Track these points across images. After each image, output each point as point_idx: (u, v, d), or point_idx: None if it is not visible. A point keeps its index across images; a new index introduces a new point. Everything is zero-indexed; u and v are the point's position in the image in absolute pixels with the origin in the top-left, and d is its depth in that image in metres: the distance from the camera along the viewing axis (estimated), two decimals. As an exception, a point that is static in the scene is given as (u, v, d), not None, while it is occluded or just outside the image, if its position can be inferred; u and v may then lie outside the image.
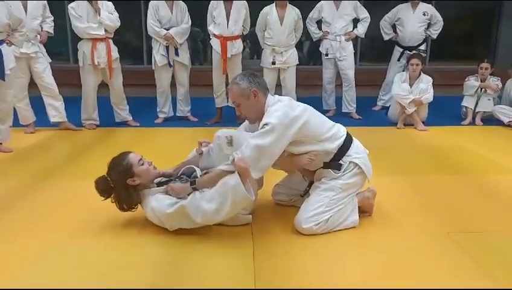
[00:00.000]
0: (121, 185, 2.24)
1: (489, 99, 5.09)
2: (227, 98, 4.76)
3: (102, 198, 2.29)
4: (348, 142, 2.33)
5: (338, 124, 2.42)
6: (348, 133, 2.38)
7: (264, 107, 2.25)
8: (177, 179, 2.34)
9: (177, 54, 4.97)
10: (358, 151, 2.36)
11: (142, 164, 2.28)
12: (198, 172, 2.34)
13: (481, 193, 2.91)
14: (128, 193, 2.26)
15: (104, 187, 2.26)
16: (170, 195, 2.23)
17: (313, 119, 2.27)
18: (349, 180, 2.31)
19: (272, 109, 2.19)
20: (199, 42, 7.54)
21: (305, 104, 2.33)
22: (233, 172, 2.09)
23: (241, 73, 2.35)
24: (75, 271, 1.95)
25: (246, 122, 2.50)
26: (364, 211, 2.48)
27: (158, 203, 2.22)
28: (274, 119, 2.13)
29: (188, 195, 2.18)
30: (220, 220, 2.18)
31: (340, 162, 2.31)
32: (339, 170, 2.30)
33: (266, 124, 2.12)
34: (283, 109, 2.18)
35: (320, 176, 2.37)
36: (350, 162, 2.31)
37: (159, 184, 2.34)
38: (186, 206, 2.13)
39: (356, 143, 2.40)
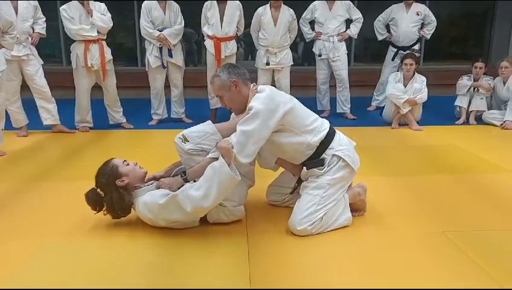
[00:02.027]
0: (111, 188, 2.24)
1: (482, 99, 5.12)
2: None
3: (94, 212, 2.29)
4: (330, 136, 2.32)
5: (322, 119, 2.41)
6: (331, 127, 2.37)
7: (248, 97, 2.26)
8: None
9: (170, 55, 4.96)
10: (341, 144, 2.34)
11: (128, 164, 2.30)
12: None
13: (475, 191, 2.91)
14: (120, 194, 2.25)
15: (95, 198, 2.27)
16: (162, 188, 2.24)
17: (298, 108, 2.30)
18: (335, 175, 2.29)
19: (258, 95, 2.21)
20: (193, 43, 7.52)
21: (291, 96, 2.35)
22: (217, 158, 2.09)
23: (222, 66, 2.36)
24: (69, 272, 1.92)
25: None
26: (357, 209, 2.48)
27: (151, 197, 2.21)
28: (259, 103, 2.14)
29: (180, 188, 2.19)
30: (210, 207, 2.13)
31: (323, 155, 2.30)
32: (322, 165, 2.29)
33: (250, 108, 2.14)
34: (269, 94, 2.20)
35: (306, 175, 2.36)
36: (333, 155, 2.30)
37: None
38: (177, 195, 2.13)
39: (339, 136, 2.39)
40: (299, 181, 2.44)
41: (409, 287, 1.80)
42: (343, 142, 2.37)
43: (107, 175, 2.25)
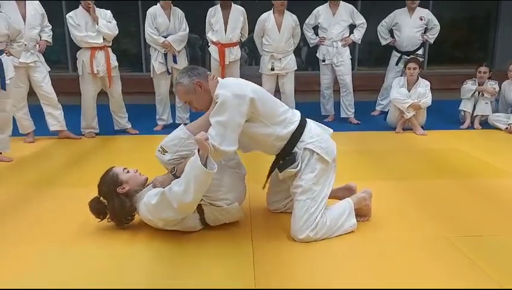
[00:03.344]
0: (112, 195, 2.28)
1: (486, 103, 5.11)
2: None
3: (98, 220, 2.33)
4: (301, 128, 2.27)
5: (294, 110, 2.37)
6: (302, 118, 2.32)
7: (214, 90, 2.20)
8: None
9: (175, 61, 4.99)
10: (311, 135, 2.28)
11: (128, 172, 2.33)
12: None
13: (480, 196, 2.91)
14: (121, 200, 2.28)
15: (98, 207, 2.32)
16: (156, 187, 2.26)
17: (267, 97, 2.27)
18: (315, 171, 2.24)
19: (223, 82, 2.20)
20: (198, 49, 7.58)
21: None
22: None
23: (179, 72, 2.32)
24: (73, 277, 1.95)
25: None
26: (362, 214, 2.47)
27: (147, 198, 2.23)
28: (226, 90, 2.11)
29: None
30: (192, 202, 2.10)
31: (295, 149, 2.26)
32: (294, 163, 2.25)
33: (217, 96, 2.10)
34: (235, 81, 2.20)
35: (283, 177, 2.33)
36: (304, 149, 2.25)
37: None
38: (165, 192, 2.13)
39: (310, 126, 2.33)
40: (272, 168, 2.40)
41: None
42: (314, 133, 2.31)
43: (108, 183, 2.29)
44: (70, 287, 1.86)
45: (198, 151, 2.02)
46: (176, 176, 2.18)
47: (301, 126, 2.29)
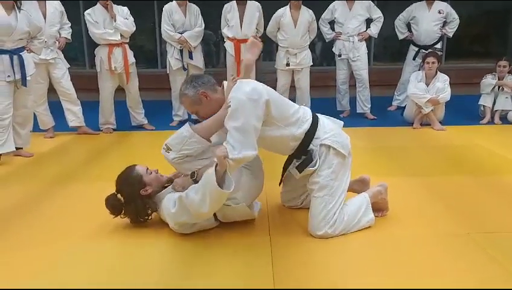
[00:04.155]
0: (135, 197, 2.28)
1: (506, 98, 5.01)
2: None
3: (113, 216, 2.33)
4: (314, 125, 2.25)
5: (304, 107, 2.33)
6: (314, 115, 2.30)
7: (223, 97, 2.20)
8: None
9: (191, 57, 5.02)
10: (326, 131, 2.26)
11: (151, 173, 2.33)
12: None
13: (500, 193, 2.86)
14: (144, 203, 2.30)
15: (115, 204, 2.31)
16: (176, 190, 2.26)
17: (278, 99, 2.21)
18: (332, 166, 2.23)
19: (238, 85, 2.10)
20: (212, 45, 7.60)
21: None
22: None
23: (183, 82, 2.27)
24: (94, 272, 1.98)
25: None
26: (379, 208, 2.45)
27: (168, 202, 2.24)
28: (240, 93, 2.04)
29: None
30: (209, 212, 2.10)
31: (311, 146, 2.24)
32: (312, 161, 2.23)
33: (230, 100, 2.04)
34: (250, 84, 2.10)
35: (302, 176, 2.30)
36: (321, 145, 2.23)
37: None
38: (182, 198, 2.13)
39: (323, 122, 2.31)
40: (286, 167, 2.39)
41: (434, 287, 1.79)
42: (328, 128, 2.29)
43: (132, 184, 2.28)
44: (92, 283, 1.89)
45: (216, 165, 1.98)
46: (196, 181, 2.15)
47: (314, 123, 2.26)
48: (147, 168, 2.35)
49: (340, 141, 2.28)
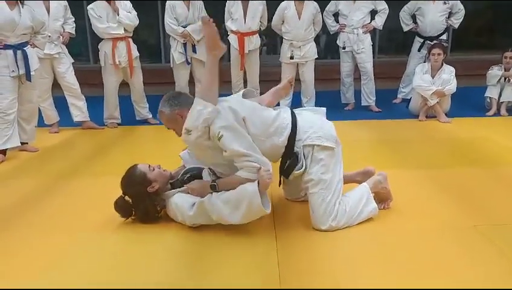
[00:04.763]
0: (143, 195, 2.28)
1: (513, 89, 4.95)
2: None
3: (124, 219, 2.35)
4: (293, 128, 2.23)
5: (283, 111, 2.31)
6: (292, 117, 2.27)
7: None
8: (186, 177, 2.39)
9: (194, 51, 5.01)
10: (305, 130, 2.25)
11: (153, 169, 2.32)
12: (206, 172, 2.36)
13: (507, 185, 2.84)
14: (152, 200, 2.30)
15: (124, 207, 2.32)
16: (191, 194, 2.26)
17: (252, 113, 2.20)
18: (321, 161, 2.22)
19: (216, 117, 2.09)
20: (216, 39, 7.54)
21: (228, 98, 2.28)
22: (253, 180, 2.09)
23: (163, 98, 2.26)
24: (101, 264, 2.00)
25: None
26: (381, 198, 2.45)
27: (181, 200, 2.25)
28: (223, 121, 2.08)
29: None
30: (240, 222, 2.16)
31: (295, 149, 2.23)
32: (298, 162, 2.22)
33: (219, 133, 2.06)
34: (224, 110, 2.12)
35: (293, 178, 2.30)
36: (303, 146, 2.22)
37: (171, 185, 2.40)
38: (204, 202, 2.17)
39: (301, 120, 2.28)
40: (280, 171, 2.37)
41: (442, 280, 1.78)
42: (307, 126, 2.26)
43: (137, 184, 2.28)
44: (98, 278, 1.91)
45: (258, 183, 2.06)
46: (216, 191, 2.18)
47: (293, 126, 2.24)
48: (149, 165, 2.34)
49: (322, 134, 2.25)
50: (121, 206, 2.32)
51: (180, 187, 2.34)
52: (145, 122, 5.07)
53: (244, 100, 2.32)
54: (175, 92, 2.32)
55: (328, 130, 2.30)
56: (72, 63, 4.68)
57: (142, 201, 2.29)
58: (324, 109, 2.45)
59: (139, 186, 2.28)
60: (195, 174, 2.41)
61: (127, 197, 2.32)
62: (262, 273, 1.89)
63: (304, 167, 2.22)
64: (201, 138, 2.11)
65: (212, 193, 2.19)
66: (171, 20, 4.91)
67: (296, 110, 2.37)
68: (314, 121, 2.31)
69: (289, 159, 2.24)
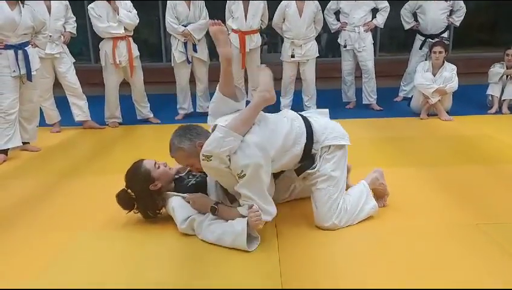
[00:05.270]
0: (145, 192, 2.28)
1: (515, 87, 4.93)
2: (247, 93, 4.76)
3: (126, 211, 2.34)
4: (309, 133, 2.22)
5: (294, 118, 2.26)
6: (306, 124, 2.25)
7: None
8: (190, 177, 2.38)
9: (195, 50, 5.00)
10: (322, 131, 2.25)
11: (159, 167, 2.31)
12: (212, 181, 2.35)
13: (508, 183, 2.83)
14: (153, 199, 2.30)
15: (126, 200, 2.31)
16: (191, 205, 2.25)
17: (274, 139, 2.14)
18: (333, 159, 2.24)
19: (244, 151, 2.01)
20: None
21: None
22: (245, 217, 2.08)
23: (173, 136, 2.18)
24: (102, 263, 2.00)
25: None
26: (379, 195, 2.45)
27: (178, 209, 2.24)
28: (251, 159, 2.00)
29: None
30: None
31: (313, 151, 2.24)
32: (314, 163, 2.23)
33: (242, 171, 2.00)
34: (254, 147, 2.03)
35: (301, 176, 2.30)
36: (322, 147, 2.24)
37: (175, 182, 2.40)
38: (195, 221, 2.18)
39: (315, 123, 2.28)
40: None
41: (443, 279, 1.78)
42: (322, 127, 2.27)
43: (141, 181, 2.27)
44: (98, 276, 1.91)
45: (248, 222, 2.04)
46: (214, 214, 2.19)
47: (309, 131, 2.24)
48: (155, 162, 2.34)
49: (337, 134, 2.29)
50: (122, 199, 2.31)
51: (183, 193, 2.32)
52: (146, 121, 5.07)
53: (264, 125, 2.17)
54: (186, 125, 2.24)
55: (340, 128, 2.35)
56: (73, 63, 4.68)
57: (143, 198, 2.30)
58: (327, 110, 2.46)
59: (142, 183, 2.27)
60: (199, 181, 2.36)
61: (129, 191, 2.31)
62: (263, 273, 1.89)
63: (316, 167, 2.23)
64: (222, 164, 2.03)
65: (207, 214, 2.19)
66: (171, 19, 4.90)
67: (305, 114, 2.37)
68: (326, 122, 2.35)
69: (306, 160, 2.25)
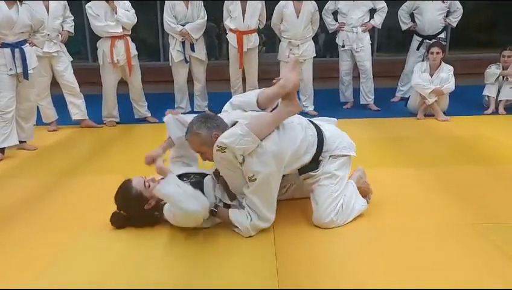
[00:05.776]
0: (141, 213, 2.26)
1: (511, 88, 4.95)
2: (244, 92, 4.76)
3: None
4: (320, 142, 2.26)
5: (304, 125, 2.27)
6: (318, 131, 2.29)
7: None
8: (185, 179, 2.36)
9: (193, 49, 5.01)
10: (333, 141, 2.30)
11: (149, 186, 2.25)
12: (210, 174, 2.38)
13: (505, 183, 2.85)
14: (150, 215, 2.28)
15: (121, 221, 2.30)
16: None
17: (291, 150, 2.17)
18: (337, 161, 2.30)
19: (261, 157, 2.05)
20: (214, 37, 7.55)
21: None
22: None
23: (194, 120, 2.20)
24: (101, 263, 2.00)
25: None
26: (363, 193, 2.47)
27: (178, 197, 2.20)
28: (260, 166, 2.05)
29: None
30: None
31: (320, 158, 2.27)
32: (317, 168, 2.27)
33: (253, 176, 2.06)
34: (264, 155, 2.06)
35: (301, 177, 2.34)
36: (330, 156, 2.29)
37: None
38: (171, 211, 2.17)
39: (328, 134, 2.31)
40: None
41: (439, 279, 1.79)
42: (333, 137, 2.32)
43: (134, 204, 2.23)
44: (96, 276, 1.91)
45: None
46: (214, 216, 2.23)
47: (320, 140, 2.27)
48: (144, 181, 2.28)
49: (347, 144, 2.34)
50: (117, 222, 2.29)
51: None
52: (143, 120, 5.06)
53: (283, 133, 2.17)
54: (209, 114, 2.27)
55: (348, 139, 2.39)
56: (71, 62, 4.66)
57: (140, 217, 2.28)
58: (335, 119, 2.50)
59: (136, 205, 2.24)
60: (194, 183, 2.30)
61: (122, 212, 2.29)
62: (260, 273, 1.89)
63: (319, 171, 2.27)
64: (234, 159, 2.06)
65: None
66: (169, 19, 4.90)
67: (316, 121, 2.40)
68: (337, 132, 2.40)
69: (311, 164, 2.28)
